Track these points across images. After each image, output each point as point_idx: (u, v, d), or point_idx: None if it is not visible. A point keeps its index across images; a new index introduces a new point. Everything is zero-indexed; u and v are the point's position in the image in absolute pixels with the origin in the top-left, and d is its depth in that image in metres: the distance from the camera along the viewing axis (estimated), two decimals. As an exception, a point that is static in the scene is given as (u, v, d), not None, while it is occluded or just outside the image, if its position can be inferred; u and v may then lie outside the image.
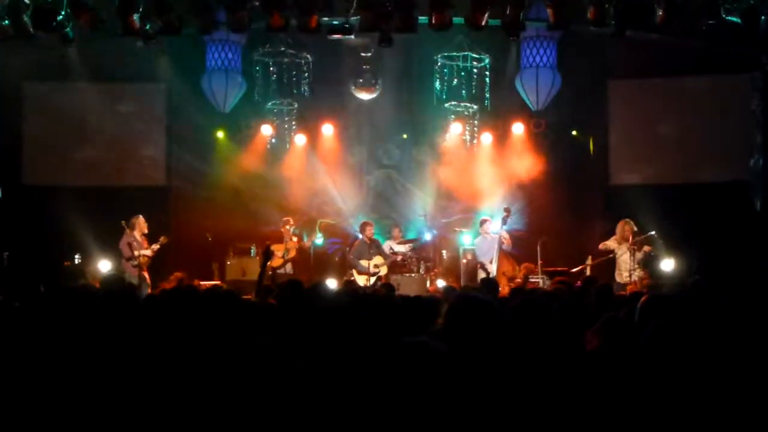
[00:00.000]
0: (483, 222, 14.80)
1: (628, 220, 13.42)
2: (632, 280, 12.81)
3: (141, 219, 13.80)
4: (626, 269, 13.16)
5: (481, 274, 14.05)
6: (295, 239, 14.95)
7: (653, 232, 13.17)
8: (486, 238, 14.61)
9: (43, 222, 14.73)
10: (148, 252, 13.59)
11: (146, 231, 13.83)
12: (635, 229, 13.23)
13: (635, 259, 13.03)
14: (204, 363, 3.49)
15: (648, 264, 13.27)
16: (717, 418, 3.18)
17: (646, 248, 13.12)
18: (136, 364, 3.79)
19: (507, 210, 14.49)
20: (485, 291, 8.24)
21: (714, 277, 8.94)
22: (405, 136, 16.93)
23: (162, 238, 13.70)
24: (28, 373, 3.75)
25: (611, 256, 13.42)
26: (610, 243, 13.49)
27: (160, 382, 3.57)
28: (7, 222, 14.71)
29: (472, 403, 3.13)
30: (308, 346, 4.27)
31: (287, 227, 14.91)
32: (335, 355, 3.96)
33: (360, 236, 15.13)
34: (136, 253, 13.38)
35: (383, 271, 14.79)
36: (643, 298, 4.91)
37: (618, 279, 13.09)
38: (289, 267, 14.73)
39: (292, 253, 14.79)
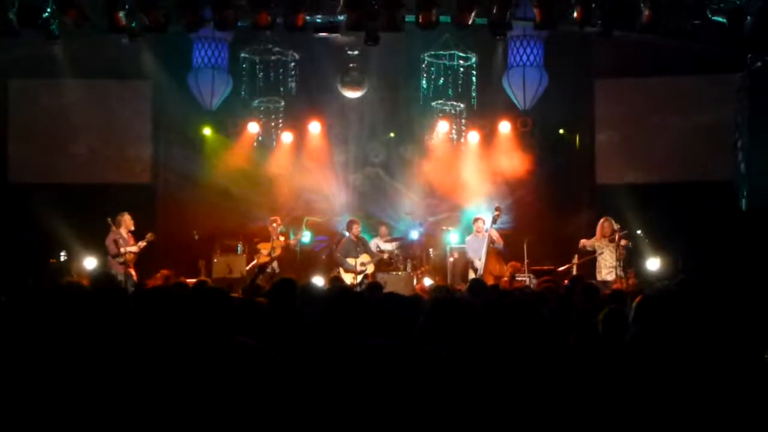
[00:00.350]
0: (476, 220, 14.80)
1: (608, 217, 13.49)
2: (614, 278, 12.86)
3: (127, 216, 13.76)
4: (606, 267, 13.21)
5: (472, 273, 14.10)
6: (281, 238, 14.93)
7: (639, 231, 13.23)
8: (477, 236, 14.61)
9: (28, 219, 14.61)
10: (134, 249, 13.56)
11: (132, 228, 13.79)
12: (615, 226, 13.28)
13: (617, 256, 13.06)
14: (195, 360, 3.48)
15: (630, 262, 13.32)
16: (707, 418, 3.19)
17: (623, 242, 13.12)
18: (127, 360, 3.78)
19: (498, 209, 14.50)
20: (472, 294, 8.24)
21: (700, 276, 8.96)
22: (392, 134, 16.96)
23: (149, 235, 13.67)
24: (15, 367, 3.72)
25: (596, 255, 13.45)
26: (588, 241, 13.52)
27: (152, 378, 3.55)
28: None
29: (453, 402, 3.13)
30: (298, 345, 4.27)
31: (274, 225, 14.89)
32: (324, 355, 3.95)
33: (347, 234, 15.13)
34: (122, 250, 13.34)
35: (370, 269, 14.78)
36: (638, 298, 4.89)
37: (598, 277, 13.11)
38: (275, 265, 14.71)
39: (278, 251, 14.77)
